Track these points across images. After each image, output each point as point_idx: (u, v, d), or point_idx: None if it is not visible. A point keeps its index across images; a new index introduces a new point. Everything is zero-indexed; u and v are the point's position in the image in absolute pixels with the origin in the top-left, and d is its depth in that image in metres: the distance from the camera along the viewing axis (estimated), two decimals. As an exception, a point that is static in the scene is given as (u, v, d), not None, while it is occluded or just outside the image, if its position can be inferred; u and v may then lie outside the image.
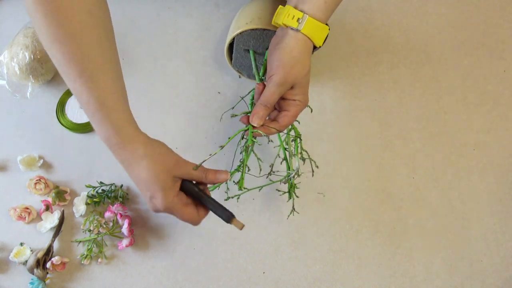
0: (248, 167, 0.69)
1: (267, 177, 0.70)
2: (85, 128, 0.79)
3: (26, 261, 0.70)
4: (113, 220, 0.72)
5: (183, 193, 0.58)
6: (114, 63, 0.57)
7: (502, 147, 0.78)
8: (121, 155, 0.56)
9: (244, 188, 0.64)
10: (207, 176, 0.59)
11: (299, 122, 0.67)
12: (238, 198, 0.70)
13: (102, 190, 0.75)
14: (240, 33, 0.71)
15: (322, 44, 0.62)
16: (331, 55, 0.85)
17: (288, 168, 0.67)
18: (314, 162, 0.68)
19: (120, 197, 0.74)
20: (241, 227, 0.57)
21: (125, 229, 0.70)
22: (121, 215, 0.72)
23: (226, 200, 0.70)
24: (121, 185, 0.75)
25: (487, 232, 0.72)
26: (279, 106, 0.64)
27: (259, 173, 0.71)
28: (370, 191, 0.75)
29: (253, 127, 0.62)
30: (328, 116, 0.80)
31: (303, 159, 0.68)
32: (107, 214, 0.72)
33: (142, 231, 0.73)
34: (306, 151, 0.68)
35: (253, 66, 0.73)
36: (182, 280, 0.70)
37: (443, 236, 0.72)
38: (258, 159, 0.69)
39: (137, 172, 0.55)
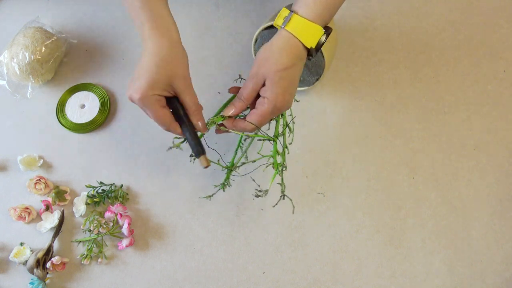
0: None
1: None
2: (85, 128, 0.79)
3: (26, 261, 0.70)
4: (113, 220, 0.72)
5: (165, 103, 0.59)
6: None
7: (502, 147, 0.78)
8: (146, 37, 0.59)
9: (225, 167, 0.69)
10: (197, 107, 0.60)
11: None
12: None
13: (102, 190, 0.75)
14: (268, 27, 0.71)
15: (319, 46, 0.60)
16: (331, 55, 0.85)
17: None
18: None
19: (120, 197, 0.74)
20: (206, 165, 0.57)
21: (125, 229, 0.71)
22: (121, 215, 0.72)
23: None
24: (121, 185, 0.75)
25: (487, 232, 0.72)
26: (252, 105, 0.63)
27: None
28: (370, 191, 0.75)
29: (221, 123, 0.63)
30: (328, 116, 0.80)
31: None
32: (107, 214, 0.72)
33: (142, 231, 0.73)
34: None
35: None
36: (182, 280, 0.70)
37: (443, 236, 0.72)
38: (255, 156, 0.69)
39: (145, 56, 0.58)
